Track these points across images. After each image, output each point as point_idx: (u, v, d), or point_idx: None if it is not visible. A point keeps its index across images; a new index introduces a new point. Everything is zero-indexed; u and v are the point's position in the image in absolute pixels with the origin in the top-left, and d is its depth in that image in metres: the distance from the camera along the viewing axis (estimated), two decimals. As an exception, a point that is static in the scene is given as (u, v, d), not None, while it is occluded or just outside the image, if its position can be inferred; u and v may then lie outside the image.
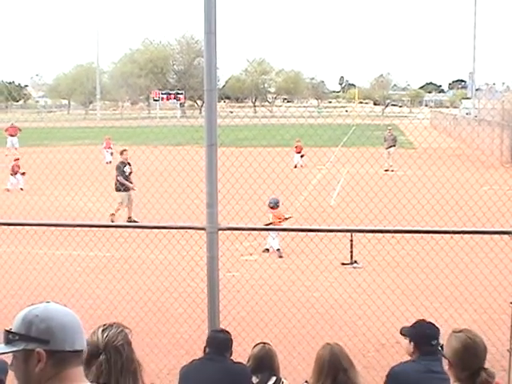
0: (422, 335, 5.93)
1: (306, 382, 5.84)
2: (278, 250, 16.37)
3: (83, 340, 3.09)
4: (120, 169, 21.55)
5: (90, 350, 4.09)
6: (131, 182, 21.75)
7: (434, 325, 6.06)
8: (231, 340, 6.55)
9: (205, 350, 6.46)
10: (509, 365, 7.69)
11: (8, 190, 27.48)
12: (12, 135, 44.48)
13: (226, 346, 6.44)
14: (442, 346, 5.21)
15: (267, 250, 16.93)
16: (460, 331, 4.95)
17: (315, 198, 16.15)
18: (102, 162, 33.25)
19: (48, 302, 3.09)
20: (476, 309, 11.27)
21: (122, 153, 22.12)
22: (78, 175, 20.00)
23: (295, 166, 33.65)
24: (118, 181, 21.48)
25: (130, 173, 21.91)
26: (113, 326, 4.29)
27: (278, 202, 17.65)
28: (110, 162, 34.96)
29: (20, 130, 44.55)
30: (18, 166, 28.44)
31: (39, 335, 2.93)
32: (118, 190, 21.46)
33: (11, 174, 28.55)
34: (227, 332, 6.63)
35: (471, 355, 4.76)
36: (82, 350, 3.07)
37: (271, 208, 17.50)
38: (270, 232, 16.32)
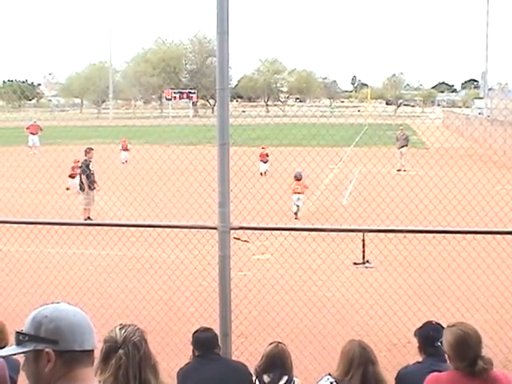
0: (426, 336, 6.10)
1: (330, 374, 5.87)
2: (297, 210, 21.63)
3: (93, 340, 3.10)
4: (85, 168, 21.03)
5: (109, 347, 4.19)
6: (95, 182, 21.53)
7: (440, 326, 6.11)
8: (217, 336, 6.63)
9: (194, 353, 6.48)
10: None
11: (68, 189, 27.61)
12: (33, 133, 44.69)
13: (215, 344, 6.51)
14: (441, 342, 5.33)
15: (296, 213, 21.48)
16: (453, 325, 5.21)
17: (327, 197, 16.11)
18: (115, 162, 33.35)
19: (58, 303, 3.11)
20: (488, 309, 11.24)
21: (86, 152, 21.57)
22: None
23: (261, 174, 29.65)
24: (81, 180, 21.42)
25: (93, 172, 21.62)
26: (130, 325, 4.37)
27: (301, 174, 21.86)
28: (126, 161, 35.48)
29: (41, 129, 44.78)
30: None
31: (48, 335, 2.96)
32: (81, 189, 21.37)
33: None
34: (210, 329, 6.66)
35: (464, 346, 4.98)
36: (91, 350, 3.08)
37: (296, 179, 22.04)
38: (299, 200, 21.81)
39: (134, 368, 4.13)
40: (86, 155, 21.42)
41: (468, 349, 4.97)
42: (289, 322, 10.83)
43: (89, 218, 20.48)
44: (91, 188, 21.20)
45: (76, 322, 3.02)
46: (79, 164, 21.77)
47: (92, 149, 21.71)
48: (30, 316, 3.05)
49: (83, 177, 21.15)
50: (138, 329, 4.35)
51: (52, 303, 3.11)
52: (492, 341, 8.85)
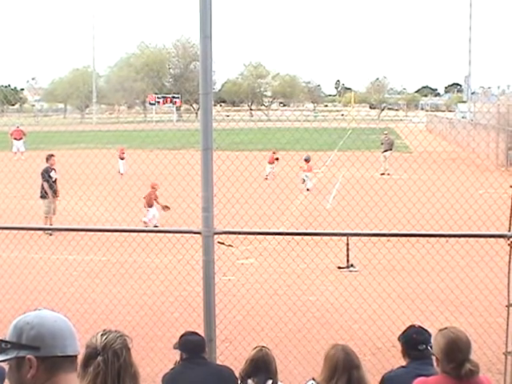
0: (409, 340, 6.11)
1: (313, 379, 5.87)
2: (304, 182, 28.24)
3: (76, 345, 3.10)
4: (46, 175, 20.43)
5: (89, 352, 4.13)
6: (57, 189, 20.80)
7: (423, 330, 6.16)
8: (204, 340, 6.63)
9: (181, 356, 6.47)
10: (505, 368, 7.71)
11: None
12: (16, 139, 44.51)
13: (202, 348, 6.51)
14: (431, 346, 5.38)
15: (308, 189, 27.60)
16: (445, 328, 5.29)
17: (311, 201, 16.14)
18: (112, 172, 33.21)
19: (39, 309, 3.11)
20: (472, 312, 11.27)
21: (48, 158, 21.08)
22: (74, 179, 20.01)
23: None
24: (43, 187, 20.70)
25: (56, 179, 20.99)
26: (112, 331, 4.32)
27: (310, 157, 29.24)
28: (122, 174, 33.17)
29: (25, 134, 44.59)
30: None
31: (30, 342, 2.96)
32: (43, 197, 20.79)
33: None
34: (197, 333, 6.66)
35: (455, 349, 5.06)
36: (74, 356, 3.08)
37: (306, 161, 29.07)
38: (306, 177, 28.89)
39: (112, 376, 4.06)
40: (47, 162, 20.99)
41: (458, 352, 5.04)
42: (273, 326, 10.83)
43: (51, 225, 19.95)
44: (53, 195, 20.52)
45: (57, 328, 3.02)
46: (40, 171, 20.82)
47: (53, 155, 21.28)
48: (12, 323, 3.06)
49: (45, 184, 20.48)
50: (121, 336, 4.29)
51: (34, 310, 3.11)
52: (476, 344, 8.87)
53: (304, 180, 29.10)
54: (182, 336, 6.60)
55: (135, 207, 15.74)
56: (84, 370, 4.09)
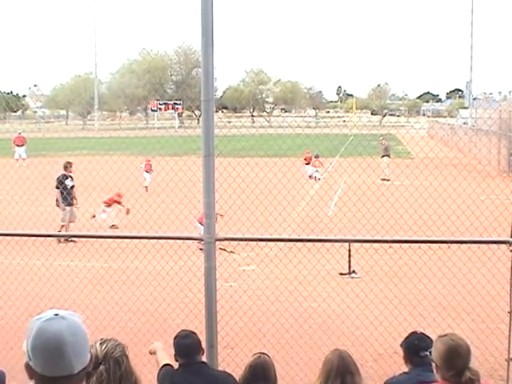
0: (411, 347, 6.10)
1: None
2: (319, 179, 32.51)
3: (66, 367, 2.86)
4: (61, 182, 19.84)
5: None
6: (74, 197, 20.52)
7: (425, 336, 6.14)
8: (199, 340, 6.42)
9: (176, 359, 6.36)
10: (507, 374, 7.69)
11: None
12: (18, 145, 44.55)
13: (197, 350, 6.32)
14: (430, 352, 5.36)
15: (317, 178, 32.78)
16: (445, 335, 5.25)
17: (313, 208, 16.14)
18: (135, 184, 33.22)
19: (56, 315, 2.90)
20: (474, 318, 11.26)
21: (66, 166, 20.53)
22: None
23: (310, 177, 34.98)
24: (56, 195, 20.22)
25: (73, 186, 20.53)
26: (110, 340, 4.31)
27: (319, 154, 34.08)
28: (146, 187, 29.67)
29: (26, 141, 44.63)
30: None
31: (28, 350, 2.87)
32: (58, 205, 20.34)
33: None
34: (192, 332, 6.47)
35: (455, 356, 5.02)
36: (61, 377, 2.87)
37: (316, 157, 34.75)
38: (317, 172, 34.46)
39: None
40: (65, 170, 20.48)
41: (458, 359, 5.01)
42: (275, 332, 10.82)
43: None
44: (67, 204, 20.03)
45: (49, 347, 2.83)
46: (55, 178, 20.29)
47: (71, 163, 20.75)
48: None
49: (57, 191, 19.92)
50: (119, 344, 4.29)
51: (51, 310, 2.94)
52: (478, 350, 8.87)
53: (312, 176, 34.38)
54: (175, 337, 6.47)
55: (137, 213, 15.74)
56: (86, 380, 4.07)
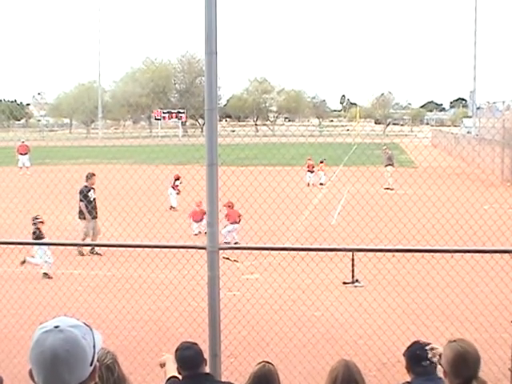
0: (413, 356, 6.07)
1: None
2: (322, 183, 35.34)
3: (58, 381, 2.82)
4: (83, 194, 19.38)
5: None
6: (96, 209, 19.70)
7: (427, 345, 6.12)
8: (201, 351, 6.37)
9: (179, 371, 6.32)
10: (510, 384, 7.67)
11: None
12: (22, 154, 44.58)
13: (200, 361, 6.26)
14: (440, 355, 5.32)
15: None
16: (454, 341, 5.18)
17: (316, 217, 16.14)
18: (158, 204, 32.99)
19: (56, 327, 2.87)
20: (477, 327, 11.24)
21: (88, 177, 19.91)
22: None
23: (308, 184, 34.70)
24: (80, 208, 19.57)
25: (95, 198, 19.85)
26: (100, 348, 4.30)
27: (323, 159, 35.19)
28: (173, 207, 23.95)
29: (29, 150, 44.66)
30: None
31: (29, 358, 2.85)
32: (81, 217, 19.71)
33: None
34: (194, 344, 6.43)
35: (462, 363, 4.96)
36: None
37: (321, 162, 35.79)
38: (322, 176, 36.11)
39: None
40: (86, 181, 19.91)
41: (465, 366, 4.94)
42: (278, 341, 10.80)
43: (93, 249, 18.53)
44: (92, 217, 19.30)
45: (42, 360, 2.81)
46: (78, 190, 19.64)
47: (94, 174, 19.99)
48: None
49: (82, 205, 19.30)
50: (109, 352, 4.28)
51: (51, 328, 2.88)
52: (482, 360, 8.85)
53: (309, 184, 34.97)
54: (176, 350, 6.45)
55: (140, 222, 15.75)
56: None
